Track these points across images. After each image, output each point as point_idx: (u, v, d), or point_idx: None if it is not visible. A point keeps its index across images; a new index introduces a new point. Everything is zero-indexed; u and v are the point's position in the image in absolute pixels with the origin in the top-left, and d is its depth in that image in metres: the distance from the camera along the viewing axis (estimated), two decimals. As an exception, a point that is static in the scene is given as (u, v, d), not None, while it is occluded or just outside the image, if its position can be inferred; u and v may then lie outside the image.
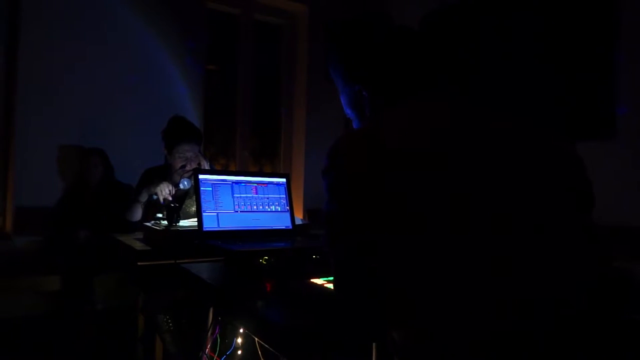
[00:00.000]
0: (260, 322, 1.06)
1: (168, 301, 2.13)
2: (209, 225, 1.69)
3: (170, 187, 2.21)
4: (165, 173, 2.44)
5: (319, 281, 1.25)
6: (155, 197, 2.23)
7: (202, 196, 1.72)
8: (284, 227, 1.84)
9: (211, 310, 1.62)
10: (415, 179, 0.81)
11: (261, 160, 4.34)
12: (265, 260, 1.41)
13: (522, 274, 0.77)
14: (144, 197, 2.32)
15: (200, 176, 1.73)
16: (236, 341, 1.55)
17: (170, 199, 2.15)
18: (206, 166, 2.42)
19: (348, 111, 1.13)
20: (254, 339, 1.40)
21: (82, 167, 3.17)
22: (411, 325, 0.82)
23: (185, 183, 2.32)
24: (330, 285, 1.18)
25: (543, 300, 0.76)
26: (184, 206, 2.34)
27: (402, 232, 0.80)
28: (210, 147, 4.00)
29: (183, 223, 1.97)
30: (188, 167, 2.39)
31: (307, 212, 4.10)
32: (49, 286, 2.92)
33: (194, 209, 2.47)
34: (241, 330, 1.56)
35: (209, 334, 1.55)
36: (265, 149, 4.42)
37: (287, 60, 4.30)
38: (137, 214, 2.37)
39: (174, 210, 1.98)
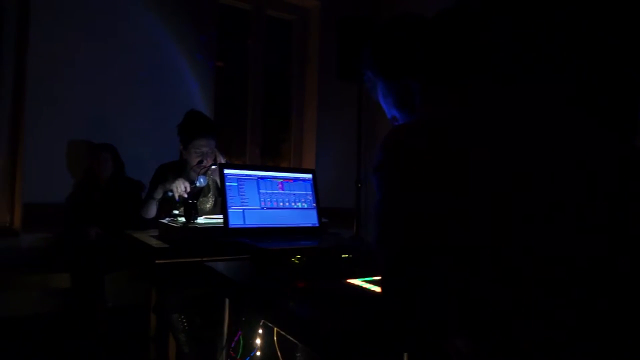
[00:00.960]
0: (297, 323, 1.00)
1: (183, 300, 2.10)
2: (235, 222, 1.62)
3: (187, 184, 2.17)
4: (180, 169, 2.39)
5: (355, 282, 1.18)
6: (170, 193, 2.18)
7: (228, 191, 1.64)
8: (310, 225, 1.78)
9: (227, 309, 1.54)
10: (487, 178, 0.71)
11: (271, 158, 4.28)
12: (298, 259, 1.35)
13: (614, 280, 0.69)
14: (158, 194, 2.28)
15: (226, 170, 1.66)
16: (255, 342, 1.45)
17: (186, 196, 2.11)
18: (222, 161, 2.38)
19: (394, 112, 1.04)
20: (272, 340, 1.39)
21: (91, 162, 3.13)
22: (492, 335, 0.74)
23: (202, 180, 2.25)
24: (370, 287, 1.12)
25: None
26: (198, 203, 2.31)
27: (477, 237, 0.70)
28: (219, 144, 4.08)
29: (199, 220, 1.95)
30: (205, 163, 2.34)
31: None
32: (58, 284, 2.87)
33: (209, 205, 2.48)
34: (260, 331, 1.47)
35: (226, 334, 1.44)
36: (275, 147, 4.36)
37: (298, 56, 4.25)
38: (152, 210, 2.33)
39: (191, 207, 1.94)
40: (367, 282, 1.17)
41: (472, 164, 0.71)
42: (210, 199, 2.43)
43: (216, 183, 2.40)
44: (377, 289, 1.06)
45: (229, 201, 1.61)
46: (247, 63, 4.01)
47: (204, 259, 1.55)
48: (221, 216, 1.74)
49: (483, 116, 0.79)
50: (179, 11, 3.53)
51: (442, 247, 0.72)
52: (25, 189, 3.09)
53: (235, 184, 1.67)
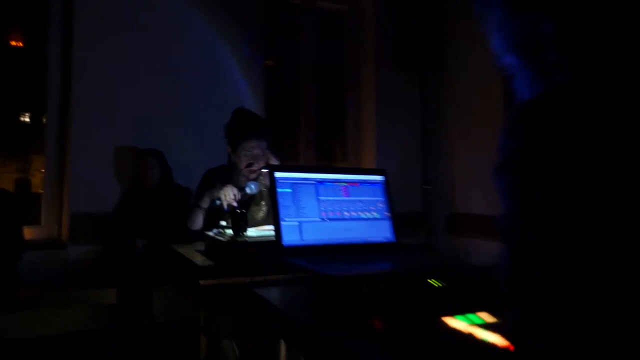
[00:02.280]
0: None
1: (234, 324, 1.96)
2: (290, 238, 1.35)
3: (235, 191, 2.01)
4: (229, 174, 2.24)
5: (457, 323, 0.88)
6: (218, 202, 2.03)
7: (280, 200, 1.37)
8: (384, 240, 1.48)
9: (283, 345, 1.38)
10: None
11: (326, 160, 4.11)
12: (371, 287, 1.09)
13: None
14: (205, 203, 2.12)
15: (277, 174, 1.40)
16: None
17: (235, 204, 1.96)
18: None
19: (509, 58, 0.76)
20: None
21: (138, 169, 3.03)
22: None
23: (253, 187, 2.10)
24: (481, 332, 0.82)
25: None
26: (249, 212, 2.12)
27: None
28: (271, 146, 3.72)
29: (250, 232, 1.77)
30: (255, 167, 2.17)
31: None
32: (106, 299, 2.80)
33: (261, 214, 2.27)
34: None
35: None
36: (330, 148, 4.18)
37: (352, 49, 4.03)
38: (199, 221, 2.16)
39: (240, 217, 1.76)
40: (473, 323, 0.88)
41: None
42: (263, 207, 2.25)
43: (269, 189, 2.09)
44: (497, 338, 0.79)
45: (282, 212, 1.35)
46: (298, 60, 3.85)
47: (255, 279, 1.41)
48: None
49: None
50: (225, 7, 3.41)
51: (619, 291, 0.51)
52: (72, 198, 3.04)
53: (289, 190, 1.41)
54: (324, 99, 3.88)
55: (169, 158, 3.02)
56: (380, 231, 1.48)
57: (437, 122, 3.91)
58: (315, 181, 1.45)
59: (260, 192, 2.18)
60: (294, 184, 1.41)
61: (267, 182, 2.15)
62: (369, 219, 1.47)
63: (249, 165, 2.14)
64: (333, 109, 4.00)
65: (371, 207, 1.48)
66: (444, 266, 1.23)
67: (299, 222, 1.37)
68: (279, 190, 1.37)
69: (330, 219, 1.42)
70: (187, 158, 3.05)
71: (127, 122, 3.05)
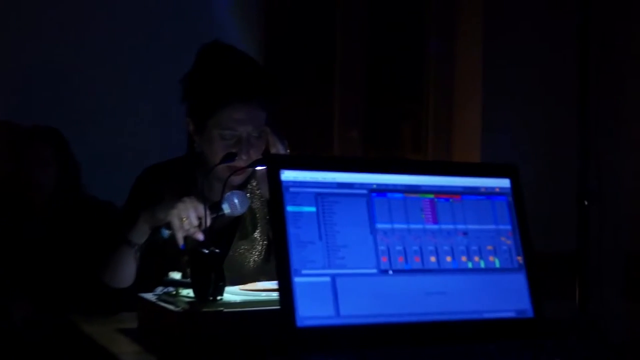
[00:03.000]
0: None
1: None
2: (313, 311, 0.84)
3: (202, 210, 1.31)
4: (190, 176, 1.59)
5: None
6: (166, 232, 1.34)
7: (293, 229, 0.86)
8: (512, 315, 0.96)
9: None
10: None
11: (386, 151, 3.10)
12: None
13: None
14: (141, 234, 1.43)
15: (286, 174, 0.88)
16: None
17: (201, 237, 1.30)
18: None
19: None
20: None
21: (18, 167, 2.14)
22: None
23: (236, 201, 1.39)
24: None
25: None
26: (230, 252, 1.57)
27: None
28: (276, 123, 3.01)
29: (231, 294, 1.20)
30: (241, 161, 1.42)
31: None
32: None
33: (252, 258, 1.53)
34: None
35: None
36: (393, 129, 2.97)
37: None
38: (127, 270, 1.45)
39: (211, 264, 1.11)
40: None
41: None
42: (256, 241, 1.59)
43: (269, 205, 1.64)
44: None
45: (296, 254, 0.85)
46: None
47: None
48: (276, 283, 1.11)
49: None
50: None
51: None
52: None
53: (313, 208, 0.88)
54: (379, 41, 3.04)
55: (78, 145, 2.28)
56: (506, 296, 0.97)
57: (610, 93, 2.86)
58: (367, 190, 0.93)
59: (252, 212, 1.62)
60: (322, 196, 0.91)
61: (265, 191, 1.59)
62: (481, 270, 0.96)
63: (229, 157, 1.42)
64: (398, 58, 3.10)
65: (486, 246, 0.96)
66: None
67: (331, 276, 0.88)
68: (289, 208, 0.88)
69: (399, 272, 0.93)
70: (112, 147, 2.33)
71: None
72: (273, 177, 0.90)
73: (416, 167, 1.04)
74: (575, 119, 2.45)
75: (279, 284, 0.88)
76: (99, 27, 2.54)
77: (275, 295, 1.10)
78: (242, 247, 1.59)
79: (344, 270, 0.89)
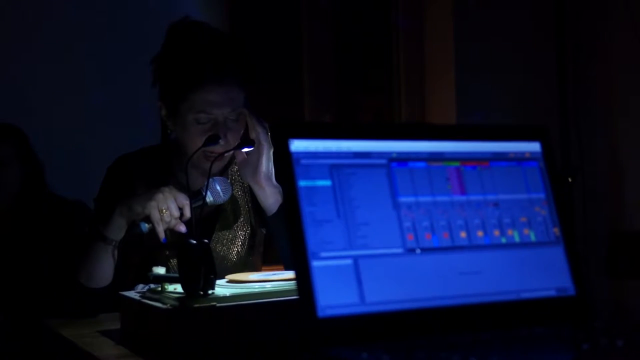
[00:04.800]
0: None
1: None
2: (335, 299, 0.73)
3: (183, 201, 1.28)
4: (166, 164, 1.52)
5: None
6: (146, 226, 1.27)
7: (307, 206, 0.74)
8: (553, 294, 0.84)
9: None
10: None
11: None
12: None
13: None
14: (117, 230, 1.35)
15: (295, 143, 0.77)
16: None
17: (184, 229, 1.26)
18: (263, 139, 1.39)
19: None
20: None
21: None
22: None
23: (219, 189, 1.35)
24: None
25: None
26: (212, 244, 1.45)
27: None
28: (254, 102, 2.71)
29: (222, 287, 1.11)
30: (219, 146, 1.33)
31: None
32: None
33: (236, 249, 1.51)
34: None
35: None
36: (367, 105, 2.83)
37: None
38: (105, 269, 1.36)
39: (202, 254, 1.04)
40: None
41: None
42: (239, 231, 1.51)
43: (251, 191, 1.58)
44: None
45: (312, 236, 0.73)
46: None
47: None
48: (280, 273, 1.09)
49: None
50: None
51: None
52: None
53: (328, 182, 0.77)
54: (348, 24, 3.01)
55: (39, 144, 2.20)
56: (545, 273, 0.84)
57: (591, 65, 2.75)
58: (386, 159, 0.80)
59: (233, 200, 1.54)
60: (337, 168, 0.78)
61: (246, 177, 1.49)
62: (516, 245, 0.83)
63: (211, 141, 1.36)
64: (367, 41, 3.03)
65: (520, 218, 0.83)
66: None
67: (353, 258, 0.76)
68: (301, 183, 0.76)
69: (427, 250, 0.81)
70: (77, 141, 2.20)
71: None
72: (282, 148, 0.79)
73: (438, 132, 0.91)
74: (555, 94, 2.26)
75: (295, 270, 0.75)
76: (53, 19, 2.40)
77: (269, 286, 1.02)
78: (224, 238, 1.49)
79: (367, 251, 0.77)
